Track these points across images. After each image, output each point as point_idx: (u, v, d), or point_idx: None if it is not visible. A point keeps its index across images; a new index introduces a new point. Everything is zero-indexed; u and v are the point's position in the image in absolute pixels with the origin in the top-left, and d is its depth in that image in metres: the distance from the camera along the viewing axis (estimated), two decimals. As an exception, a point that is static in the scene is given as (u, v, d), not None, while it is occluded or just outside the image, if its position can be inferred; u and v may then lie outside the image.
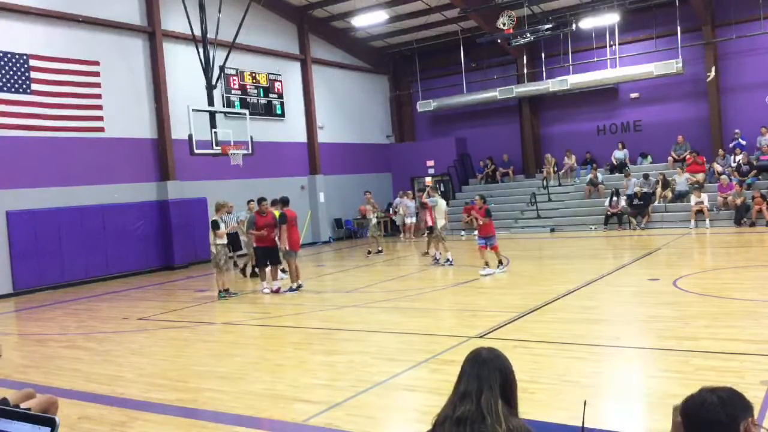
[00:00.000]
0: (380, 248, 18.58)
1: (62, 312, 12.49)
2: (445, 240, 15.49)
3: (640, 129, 23.24)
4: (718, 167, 20.23)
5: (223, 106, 19.76)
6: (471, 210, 18.24)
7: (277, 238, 12.84)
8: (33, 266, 15.45)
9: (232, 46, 17.47)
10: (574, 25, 21.60)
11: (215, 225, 12.55)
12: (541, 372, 6.19)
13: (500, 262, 13.38)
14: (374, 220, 18.82)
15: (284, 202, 13.32)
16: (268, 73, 22.10)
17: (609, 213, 20.38)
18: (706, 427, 1.95)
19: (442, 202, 15.83)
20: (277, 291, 12.67)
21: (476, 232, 14.77)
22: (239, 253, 17.68)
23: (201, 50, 16.17)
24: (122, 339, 9.52)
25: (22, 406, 4.23)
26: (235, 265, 17.43)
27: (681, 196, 20.16)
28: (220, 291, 12.51)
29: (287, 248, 12.80)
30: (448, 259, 15.01)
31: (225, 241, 12.76)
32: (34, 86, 15.82)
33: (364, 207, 19.78)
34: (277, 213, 13.07)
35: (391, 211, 24.50)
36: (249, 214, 14.01)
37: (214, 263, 12.57)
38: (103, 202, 17.03)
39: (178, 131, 18.06)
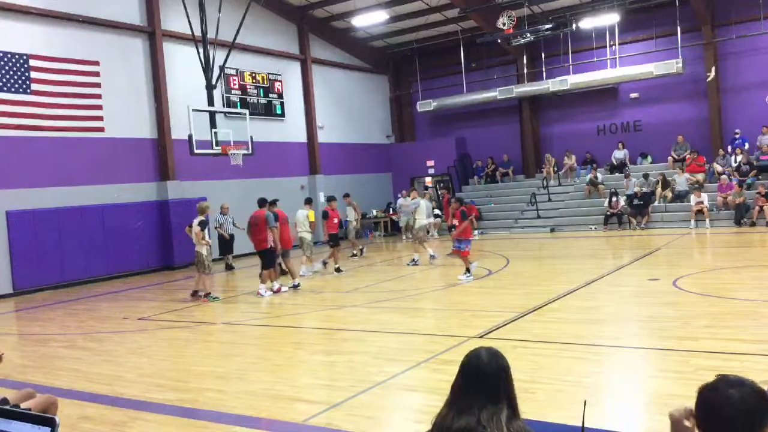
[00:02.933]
0: (355, 252, 18.03)
1: (62, 312, 12.50)
2: (424, 241, 15.68)
3: (640, 129, 23.23)
4: (718, 167, 20.22)
5: (223, 106, 19.75)
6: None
7: (271, 239, 12.76)
8: (33, 266, 15.45)
9: (232, 46, 17.46)
10: (574, 25, 21.61)
11: (204, 225, 12.56)
12: (541, 372, 6.19)
13: (468, 270, 12.61)
14: (354, 223, 18.63)
15: (272, 203, 13.28)
16: (268, 73, 22.10)
17: (609, 213, 20.38)
18: (724, 425, 1.92)
19: (423, 203, 16.41)
20: (278, 291, 12.68)
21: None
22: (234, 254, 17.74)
23: (201, 50, 16.15)
24: (122, 339, 9.51)
25: (22, 406, 4.23)
26: (231, 267, 17.41)
27: (681, 196, 20.16)
28: (208, 293, 12.53)
29: (281, 247, 12.87)
30: (413, 260, 15.39)
31: (210, 242, 12.74)
32: (34, 86, 15.82)
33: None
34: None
35: (392, 211, 24.42)
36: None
37: (201, 265, 12.54)
38: (103, 202, 17.03)
39: (178, 131, 18.06)
